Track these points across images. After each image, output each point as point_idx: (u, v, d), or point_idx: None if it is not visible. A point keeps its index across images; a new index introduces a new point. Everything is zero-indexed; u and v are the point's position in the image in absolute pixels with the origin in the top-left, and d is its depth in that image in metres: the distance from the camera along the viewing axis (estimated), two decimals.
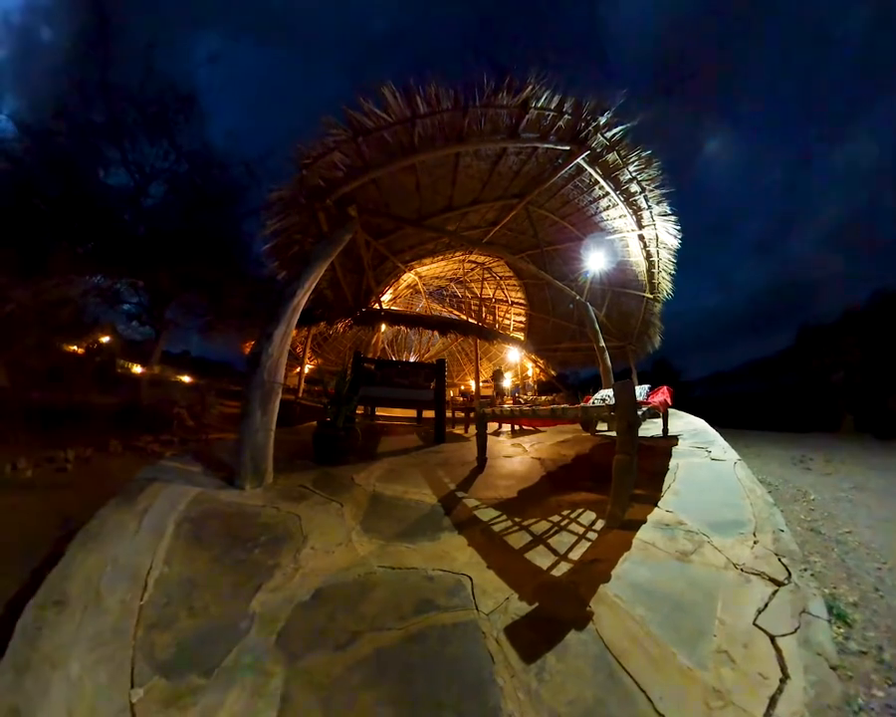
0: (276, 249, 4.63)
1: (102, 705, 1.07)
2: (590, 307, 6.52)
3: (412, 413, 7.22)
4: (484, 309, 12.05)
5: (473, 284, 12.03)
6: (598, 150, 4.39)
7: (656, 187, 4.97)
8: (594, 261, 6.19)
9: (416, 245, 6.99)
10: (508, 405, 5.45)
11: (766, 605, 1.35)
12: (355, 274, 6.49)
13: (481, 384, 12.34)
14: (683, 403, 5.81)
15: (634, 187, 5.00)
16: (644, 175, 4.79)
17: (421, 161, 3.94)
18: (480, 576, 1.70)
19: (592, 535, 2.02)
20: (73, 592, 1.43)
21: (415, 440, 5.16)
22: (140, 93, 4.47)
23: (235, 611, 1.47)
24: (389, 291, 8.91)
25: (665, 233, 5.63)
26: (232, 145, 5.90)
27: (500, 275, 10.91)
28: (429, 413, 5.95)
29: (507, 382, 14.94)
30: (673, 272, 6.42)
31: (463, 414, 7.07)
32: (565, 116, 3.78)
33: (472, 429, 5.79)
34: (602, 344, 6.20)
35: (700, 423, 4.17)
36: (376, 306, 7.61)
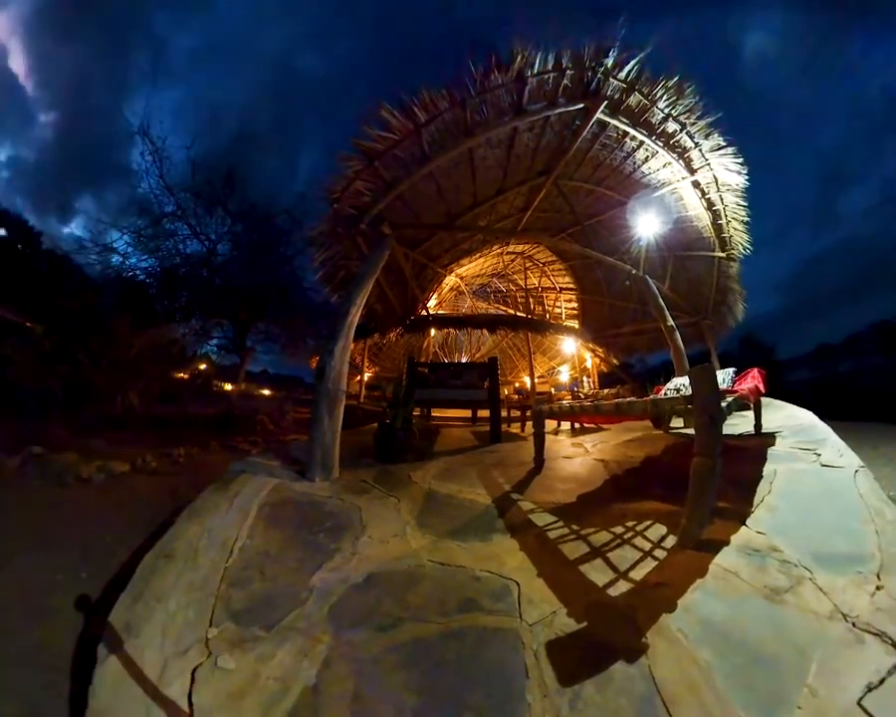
0: (326, 276, 5.16)
1: (186, 634, 1.36)
2: (650, 280, 5.57)
3: (467, 413, 7.20)
4: (531, 300, 11.25)
5: (516, 276, 11.37)
6: (616, 97, 3.80)
7: (698, 118, 4.06)
8: (645, 225, 5.31)
9: (451, 247, 6.92)
10: (566, 401, 5.05)
11: (881, 682, 1.00)
12: (400, 286, 6.68)
13: (537, 380, 11.57)
14: (780, 390, 4.80)
15: (672, 126, 4.14)
16: (680, 108, 3.96)
17: (437, 166, 3.92)
18: (528, 583, 1.60)
19: (660, 553, 1.73)
20: (178, 549, 1.80)
21: (471, 440, 5.11)
22: (193, 182, 6.01)
23: (298, 583, 1.65)
24: (434, 296, 8.90)
25: (724, 171, 4.59)
26: (272, 198, 7.22)
27: (542, 261, 10.18)
28: (484, 413, 5.85)
29: (564, 376, 13.94)
30: (746, 219, 5.19)
31: (519, 412, 6.77)
32: (568, 71, 3.40)
33: (529, 428, 5.57)
34: (671, 322, 5.25)
35: (805, 416, 3.38)
36: (423, 313, 7.78)
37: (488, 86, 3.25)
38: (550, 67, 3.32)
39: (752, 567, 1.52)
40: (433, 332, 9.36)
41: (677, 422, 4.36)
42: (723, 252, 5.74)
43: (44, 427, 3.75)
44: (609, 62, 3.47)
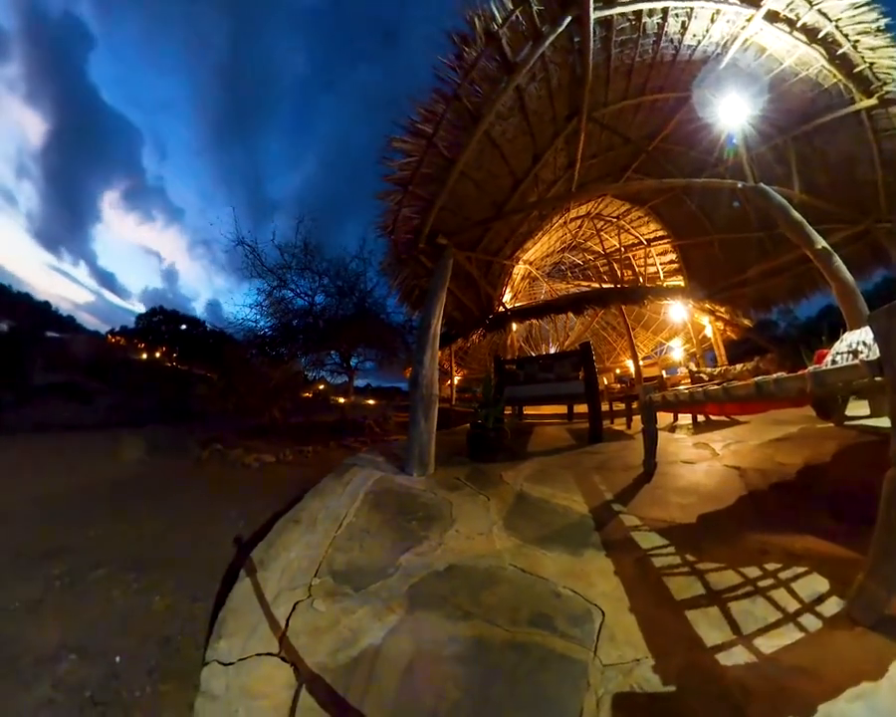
0: (403, 298, 5.68)
1: (297, 577, 1.73)
2: (769, 189, 3.79)
3: (563, 409, 6.67)
4: (615, 265, 9.27)
5: (589, 242, 9.73)
6: None
7: None
8: (730, 113, 3.75)
9: (510, 236, 6.51)
10: (684, 386, 3.85)
11: None
12: (471, 289, 6.72)
13: (642, 363, 9.43)
14: None
15: None
16: None
17: (464, 164, 3.80)
18: (615, 615, 1.35)
19: (811, 622, 1.17)
20: (303, 517, 2.33)
21: (567, 439, 4.75)
22: (283, 259, 8.37)
23: (388, 559, 1.87)
24: (507, 291, 8.38)
25: None
26: (343, 249, 9.22)
27: (614, 215, 8.44)
28: (582, 407, 5.21)
29: (677, 353, 11.07)
30: (883, 24, 3.15)
31: (623, 405, 5.76)
32: None
33: (637, 423, 4.81)
34: (821, 243, 3.46)
35: None
36: (500, 309, 7.54)
37: (467, 65, 3.07)
38: (510, 5, 2.88)
39: None
40: (514, 326, 8.64)
41: (857, 408, 3.07)
42: (868, 96, 3.59)
43: (222, 433, 5.67)
44: None
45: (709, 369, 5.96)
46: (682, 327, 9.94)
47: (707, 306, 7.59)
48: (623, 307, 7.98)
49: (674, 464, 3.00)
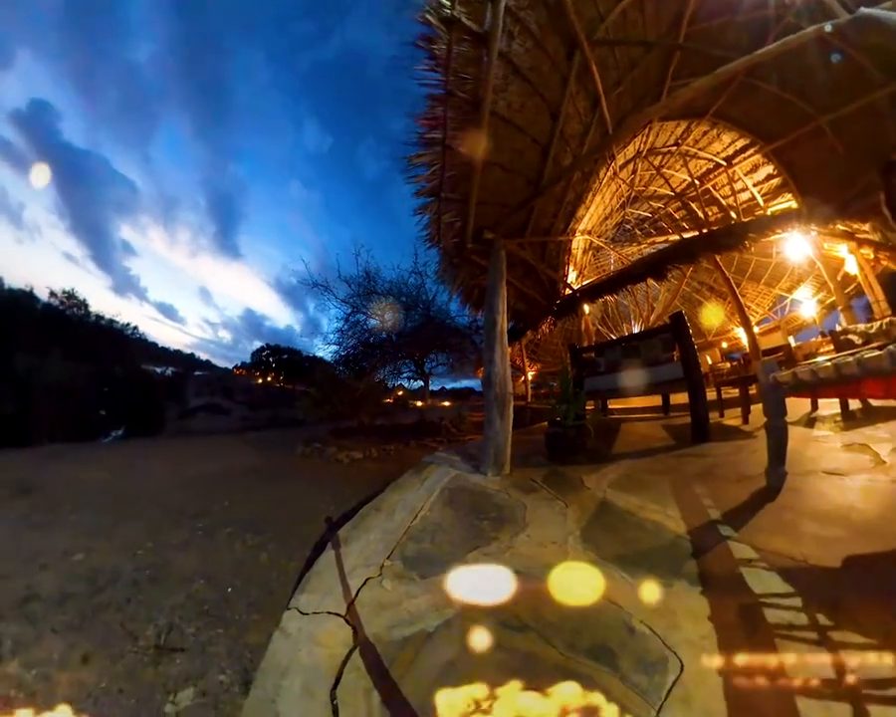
0: (464, 300, 5.79)
1: (372, 557, 1.95)
2: (876, 11, 2.25)
3: (656, 400, 5.83)
4: (692, 205, 7.09)
5: (652, 187, 7.68)
6: None
7: None
8: None
9: (557, 209, 5.78)
10: (824, 357, 2.62)
11: None
12: (530, 277, 6.39)
13: (757, 329, 7.28)
14: None
15: None
16: None
17: (484, 152, 3.62)
18: (697, 673, 1.07)
19: None
20: (382, 507, 2.58)
21: (662, 438, 4.17)
22: (350, 289, 9.71)
23: (455, 554, 1.94)
24: (570, 269, 7.44)
25: None
26: (398, 269, 10.05)
27: (670, 144, 6.50)
28: (680, 397, 4.38)
29: (808, 308, 7.95)
30: None
31: (737, 391, 4.65)
32: None
33: (757, 415, 3.87)
34: None
35: None
36: (566, 291, 6.84)
37: (444, 60, 2.91)
38: None
39: None
40: (586, 308, 7.49)
41: None
42: None
43: (320, 434, 6.75)
44: None
45: (862, 326, 4.00)
46: (809, 268, 7.30)
47: (839, 227, 4.95)
48: (717, 257, 6.03)
49: (813, 475, 2.32)
